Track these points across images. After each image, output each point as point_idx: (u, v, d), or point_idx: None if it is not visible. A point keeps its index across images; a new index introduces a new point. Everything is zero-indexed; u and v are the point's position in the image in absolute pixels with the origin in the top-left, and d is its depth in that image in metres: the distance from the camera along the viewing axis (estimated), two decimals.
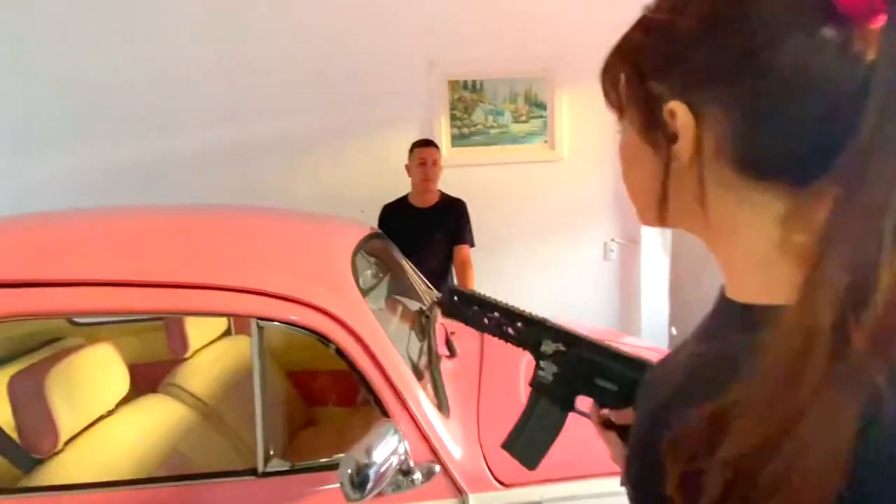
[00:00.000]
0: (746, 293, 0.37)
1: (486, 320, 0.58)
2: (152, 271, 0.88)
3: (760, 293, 0.36)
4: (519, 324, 0.57)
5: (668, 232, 2.84)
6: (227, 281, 0.88)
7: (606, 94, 0.42)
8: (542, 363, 0.55)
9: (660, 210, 0.40)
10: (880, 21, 0.29)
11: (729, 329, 0.38)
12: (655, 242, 2.86)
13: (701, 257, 2.97)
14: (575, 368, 0.53)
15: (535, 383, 0.56)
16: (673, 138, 0.37)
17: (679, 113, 0.36)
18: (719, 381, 0.31)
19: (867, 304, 0.26)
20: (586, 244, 2.97)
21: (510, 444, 0.59)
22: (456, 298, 0.60)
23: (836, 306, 0.27)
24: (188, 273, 0.88)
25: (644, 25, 0.38)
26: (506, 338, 0.58)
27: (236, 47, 2.59)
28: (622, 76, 0.40)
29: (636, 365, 0.52)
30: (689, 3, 0.35)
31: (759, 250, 0.36)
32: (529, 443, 0.57)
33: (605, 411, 0.54)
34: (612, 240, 2.97)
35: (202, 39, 2.57)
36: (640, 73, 0.38)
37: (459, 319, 0.60)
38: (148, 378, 1.61)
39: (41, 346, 1.84)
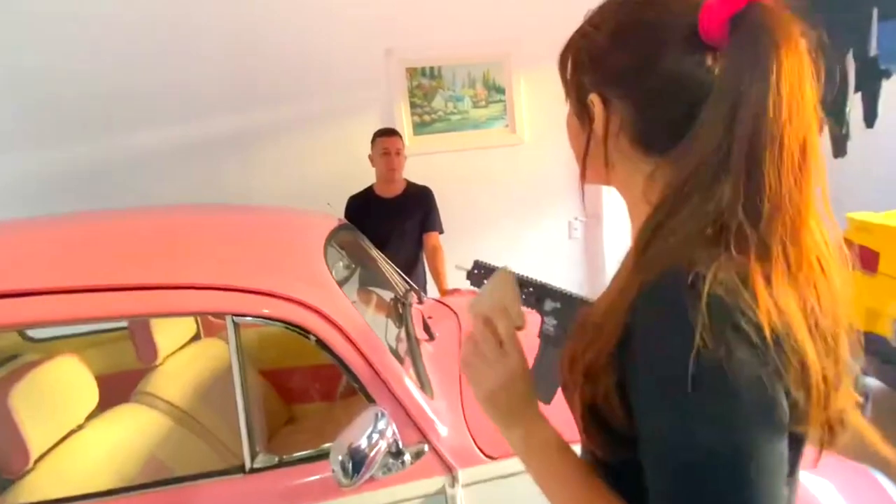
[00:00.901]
0: (634, 234, 0.52)
1: None
2: (121, 274, 0.85)
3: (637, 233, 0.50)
4: (530, 288, 0.68)
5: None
6: (200, 279, 0.86)
7: (561, 77, 0.54)
8: (545, 318, 0.66)
9: (583, 170, 0.54)
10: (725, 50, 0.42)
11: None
12: (619, 218, 2.95)
13: None
14: (569, 321, 0.64)
15: (542, 334, 0.67)
16: (592, 119, 0.49)
17: (595, 102, 0.48)
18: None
19: (653, 242, 0.42)
20: (551, 224, 3.03)
21: None
22: (479, 271, 0.74)
23: (642, 240, 0.43)
24: (159, 274, 0.86)
25: (581, 31, 0.50)
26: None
27: (188, 41, 2.48)
28: (568, 65, 0.52)
29: None
30: (604, 22, 0.48)
31: (637, 201, 0.49)
32: (540, 382, 0.68)
33: None
34: (576, 218, 3.04)
35: (153, 35, 2.45)
36: (575, 66, 0.51)
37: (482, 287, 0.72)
38: (116, 389, 1.55)
39: None
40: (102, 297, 0.81)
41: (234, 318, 0.89)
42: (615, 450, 0.44)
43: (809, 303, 0.40)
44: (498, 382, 0.50)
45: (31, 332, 1.91)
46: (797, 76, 0.39)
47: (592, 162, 0.51)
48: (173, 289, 0.84)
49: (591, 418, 0.44)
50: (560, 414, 0.66)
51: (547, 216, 3.01)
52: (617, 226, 2.95)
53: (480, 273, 0.75)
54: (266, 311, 0.89)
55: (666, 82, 0.44)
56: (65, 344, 1.95)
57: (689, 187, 0.41)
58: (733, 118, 0.39)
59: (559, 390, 0.70)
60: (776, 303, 0.37)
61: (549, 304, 0.67)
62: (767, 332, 0.36)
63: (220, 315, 0.89)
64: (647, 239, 0.42)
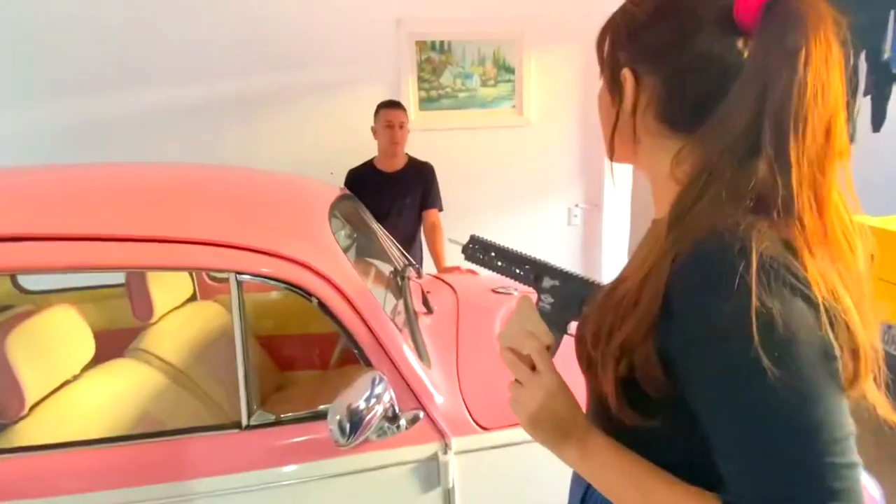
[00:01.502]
0: (658, 211, 0.53)
1: (499, 263, 0.70)
2: (123, 225, 0.84)
3: (661, 211, 0.50)
4: (526, 266, 0.68)
5: (627, 197, 2.94)
6: (207, 235, 0.86)
7: (598, 53, 0.55)
8: (542, 296, 0.66)
9: (610, 145, 0.55)
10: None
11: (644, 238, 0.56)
12: (618, 207, 2.95)
13: None
14: (567, 299, 0.64)
15: (538, 311, 0.66)
16: (623, 95, 0.51)
17: (627, 77, 0.50)
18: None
19: (688, 215, 0.43)
20: (551, 209, 3.03)
21: None
22: (476, 246, 0.73)
23: (676, 214, 0.44)
24: (163, 227, 0.85)
25: (623, 8, 0.53)
26: (515, 277, 0.70)
27: (194, 2, 2.43)
28: (606, 41, 0.54)
29: None
30: (646, 0, 0.50)
31: (662, 179, 0.50)
32: None
33: None
34: (576, 205, 3.04)
35: None
36: (613, 42, 0.53)
37: (478, 263, 0.73)
38: (110, 344, 1.55)
39: None
40: (103, 247, 0.81)
41: (237, 276, 0.89)
42: (647, 418, 0.45)
43: (840, 276, 0.41)
44: (536, 402, 0.50)
45: (25, 284, 1.90)
46: (824, 63, 0.40)
47: (620, 138, 0.53)
48: (177, 243, 0.83)
49: (626, 389, 0.45)
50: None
51: (548, 200, 3.01)
52: (616, 215, 2.95)
53: (476, 248, 0.73)
54: (269, 271, 0.89)
55: (697, 61, 0.46)
56: (59, 297, 1.95)
57: (723, 163, 0.42)
58: (763, 99, 0.41)
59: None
60: (819, 268, 0.39)
61: (546, 282, 0.67)
62: (817, 291, 0.38)
63: (223, 272, 0.89)
64: (681, 213, 0.44)
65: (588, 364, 0.51)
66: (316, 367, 2.02)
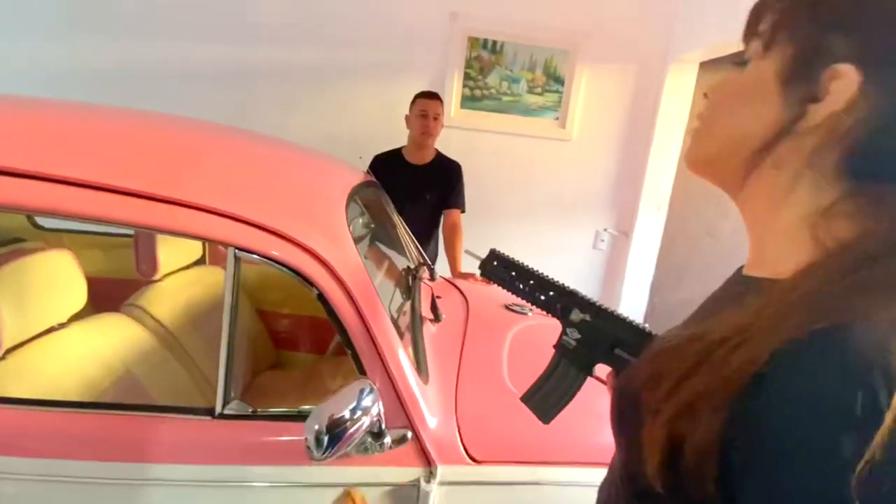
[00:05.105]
0: (759, 268, 0.38)
1: (521, 285, 0.64)
2: (129, 177, 0.77)
3: (770, 268, 0.36)
4: (551, 292, 0.61)
5: (659, 231, 2.81)
6: (209, 201, 0.79)
7: (756, 13, 0.36)
8: (567, 329, 0.60)
9: (748, 161, 0.36)
10: None
11: (725, 292, 0.42)
12: (648, 240, 2.83)
13: (685, 260, 2.96)
14: (597, 337, 0.57)
15: (559, 346, 0.61)
16: (815, 99, 0.32)
17: (846, 79, 0.31)
18: (700, 315, 0.41)
19: (832, 289, 0.30)
20: (578, 229, 2.92)
21: (528, 397, 0.64)
22: (496, 263, 0.66)
23: (812, 282, 0.31)
24: (168, 186, 0.78)
25: None
26: (537, 303, 0.63)
27: None
28: (794, 9, 0.34)
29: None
30: None
31: (788, 227, 0.35)
32: (545, 398, 0.63)
33: None
34: (605, 229, 2.93)
35: None
36: (819, 18, 0.33)
37: (496, 281, 0.67)
38: (109, 295, 1.51)
39: None
40: (107, 198, 0.74)
41: (237, 251, 0.82)
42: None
43: None
44: None
45: (41, 220, 1.88)
46: None
47: (773, 158, 0.35)
48: (178, 205, 0.76)
49: (671, 461, 0.33)
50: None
51: (576, 219, 2.90)
52: (645, 248, 2.83)
53: (496, 265, 0.66)
54: (269, 251, 0.81)
55: None
56: (70, 238, 1.92)
57: None
58: None
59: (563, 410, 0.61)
60: None
61: (575, 315, 0.59)
62: None
63: (225, 245, 0.82)
64: (824, 284, 0.30)
65: (629, 416, 0.38)
66: (313, 351, 1.96)
